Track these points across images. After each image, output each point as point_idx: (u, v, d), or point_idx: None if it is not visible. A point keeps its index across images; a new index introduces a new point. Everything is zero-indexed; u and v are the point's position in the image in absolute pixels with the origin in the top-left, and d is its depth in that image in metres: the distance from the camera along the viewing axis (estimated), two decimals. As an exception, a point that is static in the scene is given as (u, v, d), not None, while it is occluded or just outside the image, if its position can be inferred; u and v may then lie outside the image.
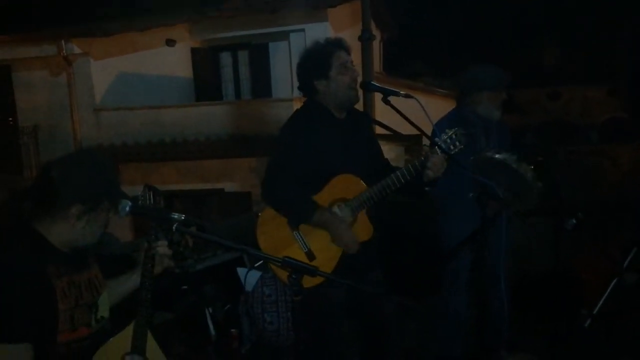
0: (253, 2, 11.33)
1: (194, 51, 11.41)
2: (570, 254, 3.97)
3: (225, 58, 11.41)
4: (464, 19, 15.07)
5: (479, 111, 3.01)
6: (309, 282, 1.95)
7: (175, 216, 1.67)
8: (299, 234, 2.23)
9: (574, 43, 17.19)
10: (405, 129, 2.56)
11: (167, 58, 10.99)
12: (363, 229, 2.23)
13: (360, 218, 2.24)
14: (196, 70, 11.44)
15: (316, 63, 2.28)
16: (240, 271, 3.83)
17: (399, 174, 2.18)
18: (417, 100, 2.25)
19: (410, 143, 9.97)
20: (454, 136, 2.17)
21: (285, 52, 10.95)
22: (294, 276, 1.67)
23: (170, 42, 10.87)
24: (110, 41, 10.01)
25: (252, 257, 2.26)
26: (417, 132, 2.29)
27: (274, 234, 2.25)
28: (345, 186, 2.23)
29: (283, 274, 2.06)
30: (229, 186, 9.35)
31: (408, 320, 2.57)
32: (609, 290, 3.87)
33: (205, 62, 11.38)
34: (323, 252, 2.20)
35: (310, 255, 2.20)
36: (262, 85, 11.24)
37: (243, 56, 11.35)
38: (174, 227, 1.66)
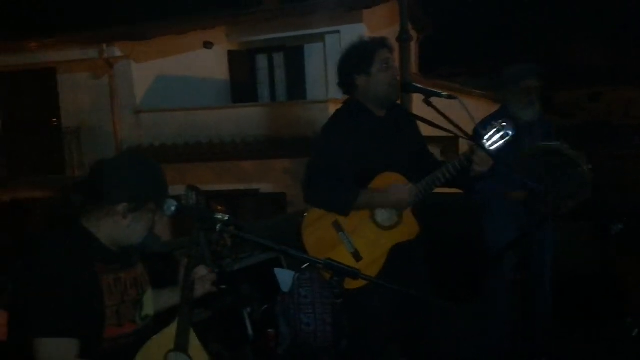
0: (288, 5, 11.42)
1: (230, 53, 11.57)
2: (615, 259, 3.83)
3: (261, 60, 11.52)
4: (500, 18, 14.81)
5: (513, 109, 2.96)
6: (354, 283, 1.95)
7: (219, 216, 1.69)
8: (345, 235, 2.23)
9: (616, 42, 16.66)
10: (441, 131, 2.53)
11: (204, 60, 11.17)
12: (409, 227, 2.24)
13: (406, 216, 2.24)
14: (233, 72, 11.60)
15: (359, 58, 2.29)
16: (278, 272, 3.85)
17: (444, 169, 2.17)
18: (459, 100, 2.23)
19: (446, 144, 9.85)
20: (501, 125, 2.12)
21: (320, 54, 10.98)
22: (335, 278, 1.67)
23: (207, 45, 11.05)
24: (150, 44, 10.24)
25: (293, 258, 2.26)
26: (452, 134, 2.26)
27: (320, 235, 2.26)
28: (390, 184, 2.22)
29: (328, 275, 2.06)
30: (264, 187, 9.44)
31: (451, 323, 2.53)
32: (657, 299, 3.73)
33: (241, 64, 11.53)
34: (370, 252, 2.21)
35: (357, 255, 2.20)
36: (297, 88, 11.31)
37: (278, 58, 11.45)
38: (217, 227, 1.68)
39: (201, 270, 1.84)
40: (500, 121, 2.15)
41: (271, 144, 9.58)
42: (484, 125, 2.26)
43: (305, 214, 2.31)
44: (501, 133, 2.12)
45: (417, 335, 2.36)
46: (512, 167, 2.29)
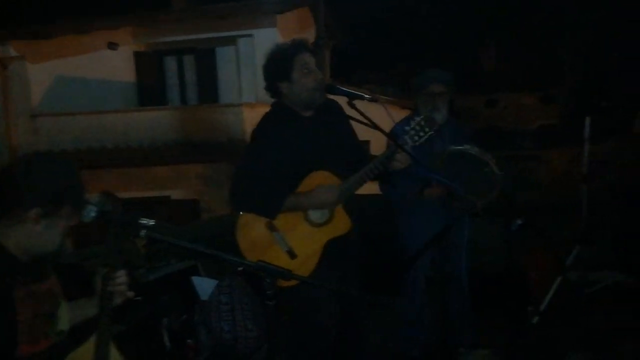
0: (200, 6, 11.18)
1: (137, 55, 11.09)
2: (519, 254, 4.13)
3: (170, 62, 11.15)
4: (407, 28, 15.48)
5: (421, 114, 3.09)
6: (288, 281, 1.95)
7: (144, 221, 1.61)
8: (279, 234, 2.24)
9: (512, 51, 17.98)
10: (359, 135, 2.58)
11: (109, 62, 10.63)
12: (341, 223, 2.28)
13: (338, 212, 2.28)
14: (140, 74, 11.12)
15: (278, 65, 2.29)
16: (196, 280, 3.75)
17: (371, 166, 2.23)
18: (381, 103, 2.30)
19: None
20: (422, 122, 2.21)
21: (233, 58, 10.85)
22: (268, 280, 1.65)
23: (112, 46, 10.52)
24: (50, 44, 9.58)
25: (226, 262, 2.21)
26: (366, 139, 2.35)
27: (254, 236, 2.27)
28: (319, 183, 2.25)
29: None
30: (176, 193, 9.14)
31: (369, 319, 2.60)
32: (554, 288, 4.07)
33: (149, 66, 11.09)
34: (304, 249, 2.24)
35: (292, 253, 2.22)
36: (208, 91, 11.07)
37: (189, 61, 11.14)
38: (142, 234, 1.60)
39: (119, 278, 1.73)
40: (423, 116, 2.23)
41: (183, 149, 9.31)
42: (403, 125, 2.34)
43: (239, 217, 2.30)
44: (426, 127, 2.20)
45: (350, 333, 2.39)
46: (428, 167, 2.39)
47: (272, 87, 2.33)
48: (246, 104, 9.92)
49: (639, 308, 3.52)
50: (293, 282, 1.97)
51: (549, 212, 6.62)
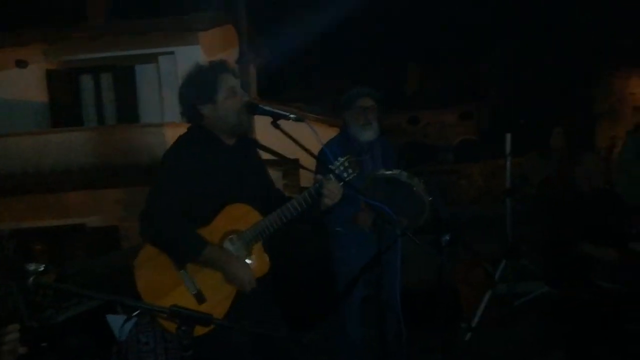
0: (118, 22, 10.70)
1: (50, 73, 10.39)
2: (449, 270, 4.13)
3: (86, 81, 10.55)
4: (332, 47, 15.70)
5: (352, 131, 3.03)
6: (201, 329, 1.72)
7: (32, 267, 1.37)
8: (186, 273, 1.99)
9: (434, 70, 18.73)
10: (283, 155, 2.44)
11: (18, 81, 9.90)
12: (259, 263, 2.06)
13: (256, 250, 2.07)
14: (52, 94, 10.41)
15: (201, 87, 2.10)
16: (111, 318, 3.42)
17: (295, 202, 2.06)
18: (307, 122, 2.17)
19: (288, 168, 9.97)
20: (347, 163, 2.10)
21: (154, 76, 10.44)
22: (183, 328, 1.45)
23: (21, 64, 9.80)
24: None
25: (129, 308, 1.96)
26: (294, 157, 2.20)
27: (155, 275, 1.99)
28: (237, 217, 2.06)
29: (171, 325, 1.81)
30: (92, 221, 8.52)
31: (305, 348, 2.44)
32: (484, 303, 4.10)
33: (62, 85, 10.41)
34: (215, 292, 1.98)
35: (200, 297, 1.97)
36: (128, 111, 10.56)
37: (106, 79, 10.59)
38: (30, 281, 1.36)
39: (10, 335, 1.47)
40: (348, 156, 2.12)
41: (100, 173, 8.74)
42: (331, 149, 2.23)
43: (139, 252, 2.03)
44: (350, 168, 2.09)
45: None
46: (361, 191, 2.28)
47: (192, 110, 2.13)
48: (169, 123, 9.52)
49: (564, 317, 3.58)
50: (207, 329, 1.75)
51: (473, 225, 6.78)
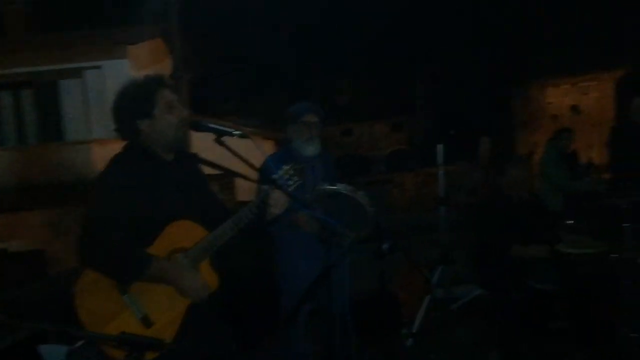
0: (40, 36, 10.20)
1: (-37, 90, 9.74)
2: (390, 277, 4.24)
3: (5, 98, 9.95)
4: (266, 61, 15.76)
5: (295, 145, 3.09)
6: (151, 354, 1.68)
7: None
8: (131, 297, 1.92)
9: (365, 84, 19.23)
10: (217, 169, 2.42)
11: None
12: (208, 280, 2.01)
13: (204, 268, 2.02)
14: (-34, 112, 9.76)
15: (138, 101, 2.05)
16: (43, 349, 3.23)
17: (241, 214, 2.04)
18: (252, 139, 2.19)
19: (224, 182, 9.87)
20: (291, 171, 2.12)
21: (79, 91, 10.02)
22: (134, 355, 1.41)
23: None
24: None
25: (74, 336, 1.87)
26: (228, 171, 2.21)
27: (98, 301, 1.90)
28: (182, 234, 2.01)
29: (119, 353, 1.74)
30: (13, 245, 7.99)
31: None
32: (423, 308, 4.24)
33: (-21, 102, 9.78)
34: (162, 314, 1.92)
35: (147, 321, 1.91)
36: (51, 128, 10.04)
37: (27, 95, 10.04)
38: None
39: None
40: (292, 164, 2.14)
41: (23, 194, 8.25)
42: (275, 164, 2.25)
43: (77, 279, 1.93)
44: (295, 176, 2.12)
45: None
46: (306, 204, 2.32)
47: (128, 126, 2.08)
48: (96, 140, 9.17)
49: (498, 319, 3.77)
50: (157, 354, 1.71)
51: (408, 233, 6.99)
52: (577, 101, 15.29)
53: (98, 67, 9.86)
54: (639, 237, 3.67)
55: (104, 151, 8.93)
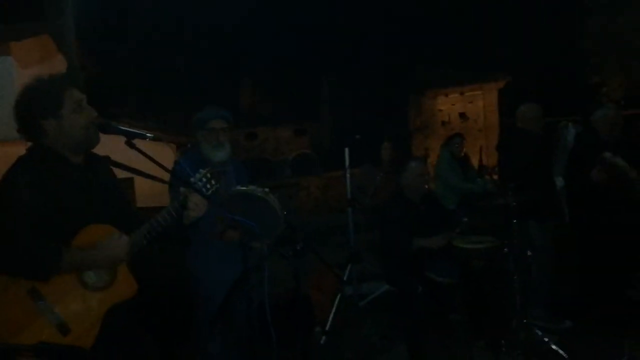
0: None
1: None
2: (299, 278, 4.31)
3: None
4: (166, 60, 15.28)
5: (204, 151, 3.07)
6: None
7: None
8: (46, 304, 1.81)
9: (268, 89, 19.27)
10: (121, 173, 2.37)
11: None
12: (125, 285, 1.96)
13: (121, 273, 1.96)
14: None
15: (44, 100, 1.95)
16: None
17: (159, 218, 2.01)
18: (164, 142, 2.16)
19: (124, 185, 9.41)
20: (208, 175, 2.12)
21: (-43, 89, 9.06)
22: (54, 363, 1.34)
23: None
24: None
25: None
26: (127, 175, 2.17)
27: (7, 310, 1.78)
28: (96, 239, 1.92)
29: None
30: None
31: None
32: (335, 306, 4.37)
33: None
34: (79, 320, 1.83)
35: (64, 328, 1.80)
36: None
37: None
38: None
39: None
40: (209, 168, 2.15)
41: None
42: (190, 168, 2.23)
43: None
44: (212, 180, 2.12)
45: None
46: (223, 206, 2.31)
47: (32, 126, 1.97)
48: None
49: (404, 312, 3.97)
50: None
51: (317, 235, 7.15)
52: (465, 109, 16.55)
53: (-22, 64, 9.01)
54: (526, 232, 4.08)
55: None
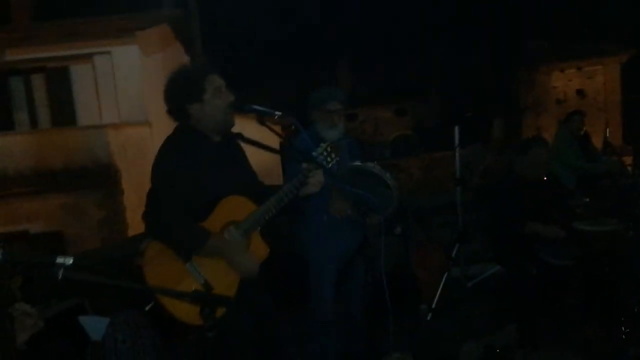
0: (47, 22, 10.25)
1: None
2: (407, 256, 4.36)
3: (16, 83, 10.05)
4: (270, 48, 15.79)
5: (318, 129, 3.19)
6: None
7: (61, 260, 1.41)
8: (192, 265, 2.08)
9: (366, 68, 19.21)
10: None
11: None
12: (259, 249, 2.18)
13: (254, 238, 2.18)
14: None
15: (189, 86, 2.18)
16: (83, 320, 3.38)
17: (286, 189, 2.18)
18: (291, 119, 2.31)
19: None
20: (329, 149, 2.24)
21: (90, 76, 10.11)
22: (207, 310, 1.55)
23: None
24: None
25: (155, 293, 2.00)
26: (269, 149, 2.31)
27: (163, 270, 2.07)
28: (233, 208, 2.16)
29: (184, 312, 1.90)
30: (35, 227, 8.16)
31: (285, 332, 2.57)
32: (442, 285, 4.38)
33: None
34: (221, 280, 2.08)
35: (208, 286, 2.07)
36: (63, 113, 10.15)
37: (38, 80, 10.13)
38: (59, 275, 1.41)
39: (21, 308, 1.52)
40: (329, 142, 2.26)
41: (40, 178, 8.38)
42: (301, 142, 2.35)
43: (145, 249, 2.10)
44: (332, 153, 2.23)
45: (272, 356, 2.33)
46: (343, 180, 2.43)
47: (180, 110, 2.21)
48: (110, 125, 9.29)
49: (515, 294, 3.89)
50: (222, 312, 1.86)
51: (423, 215, 7.11)
52: (583, 85, 15.36)
53: (107, 53, 9.95)
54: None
55: (118, 135, 9.06)
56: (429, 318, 4.13)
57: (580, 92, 15.37)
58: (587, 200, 3.59)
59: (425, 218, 6.84)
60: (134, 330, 3.18)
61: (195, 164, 2.13)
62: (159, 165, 2.15)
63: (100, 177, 8.32)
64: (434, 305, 4.20)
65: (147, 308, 2.73)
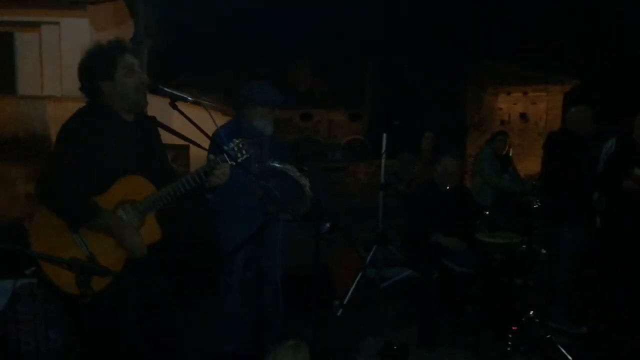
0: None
1: None
2: (326, 254, 4.53)
3: (-46, 45, 9.59)
4: (230, 36, 15.66)
5: (254, 124, 3.30)
6: (100, 283, 1.89)
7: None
8: (80, 237, 2.12)
9: (324, 71, 19.36)
10: (174, 139, 2.56)
11: None
12: (151, 231, 2.23)
13: (149, 220, 2.23)
14: None
15: (101, 64, 2.22)
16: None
17: (189, 178, 2.25)
18: (204, 105, 2.39)
19: (178, 152, 9.91)
20: (240, 145, 2.34)
21: (35, 45, 9.77)
22: (82, 278, 1.62)
23: None
24: None
25: (38, 258, 2.02)
26: (183, 142, 2.40)
27: (50, 237, 2.09)
28: (133, 187, 2.21)
29: (64, 279, 1.95)
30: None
31: (187, 319, 2.64)
32: (355, 283, 4.57)
33: None
34: (107, 255, 2.12)
35: (92, 259, 2.10)
36: (4, 80, 9.76)
37: (-22, 44, 9.71)
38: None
39: None
40: (241, 139, 2.35)
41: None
42: (227, 136, 2.45)
43: (33, 216, 2.13)
44: (243, 150, 2.33)
45: (164, 336, 2.38)
46: (252, 172, 2.54)
47: (92, 86, 2.25)
48: (51, 97, 9.01)
49: (421, 298, 4.10)
50: (100, 286, 1.94)
51: (350, 216, 7.32)
52: (527, 109, 16.10)
53: (56, 23, 9.66)
54: (557, 234, 4.08)
55: (58, 108, 8.81)
56: (339, 313, 4.30)
57: (523, 116, 16.09)
58: (487, 213, 3.85)
59: (358, 220, 7.05)
60: (37, 304, 3.18)
61: (101, 137, 2.16)
62: (62, 131, 2.17)
63: (34, 149, 8.07)
64: (345, 302, 4.37)
65: (27, 272, 2.74)
